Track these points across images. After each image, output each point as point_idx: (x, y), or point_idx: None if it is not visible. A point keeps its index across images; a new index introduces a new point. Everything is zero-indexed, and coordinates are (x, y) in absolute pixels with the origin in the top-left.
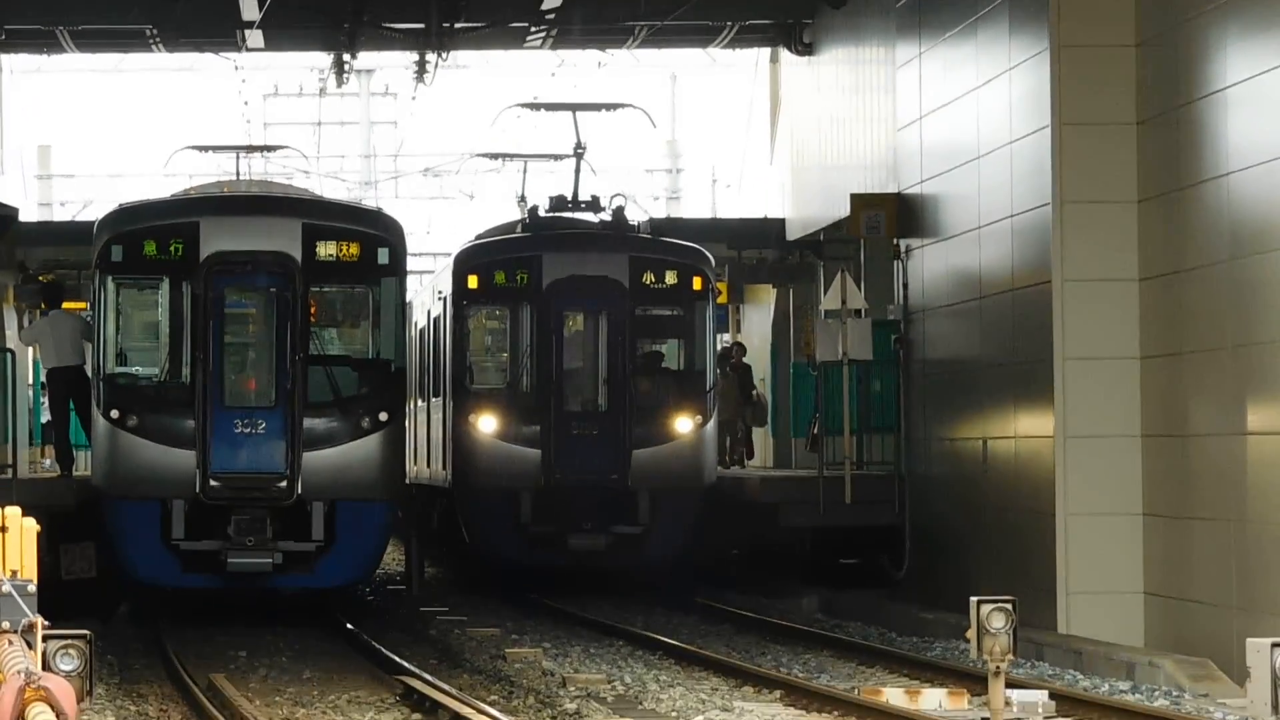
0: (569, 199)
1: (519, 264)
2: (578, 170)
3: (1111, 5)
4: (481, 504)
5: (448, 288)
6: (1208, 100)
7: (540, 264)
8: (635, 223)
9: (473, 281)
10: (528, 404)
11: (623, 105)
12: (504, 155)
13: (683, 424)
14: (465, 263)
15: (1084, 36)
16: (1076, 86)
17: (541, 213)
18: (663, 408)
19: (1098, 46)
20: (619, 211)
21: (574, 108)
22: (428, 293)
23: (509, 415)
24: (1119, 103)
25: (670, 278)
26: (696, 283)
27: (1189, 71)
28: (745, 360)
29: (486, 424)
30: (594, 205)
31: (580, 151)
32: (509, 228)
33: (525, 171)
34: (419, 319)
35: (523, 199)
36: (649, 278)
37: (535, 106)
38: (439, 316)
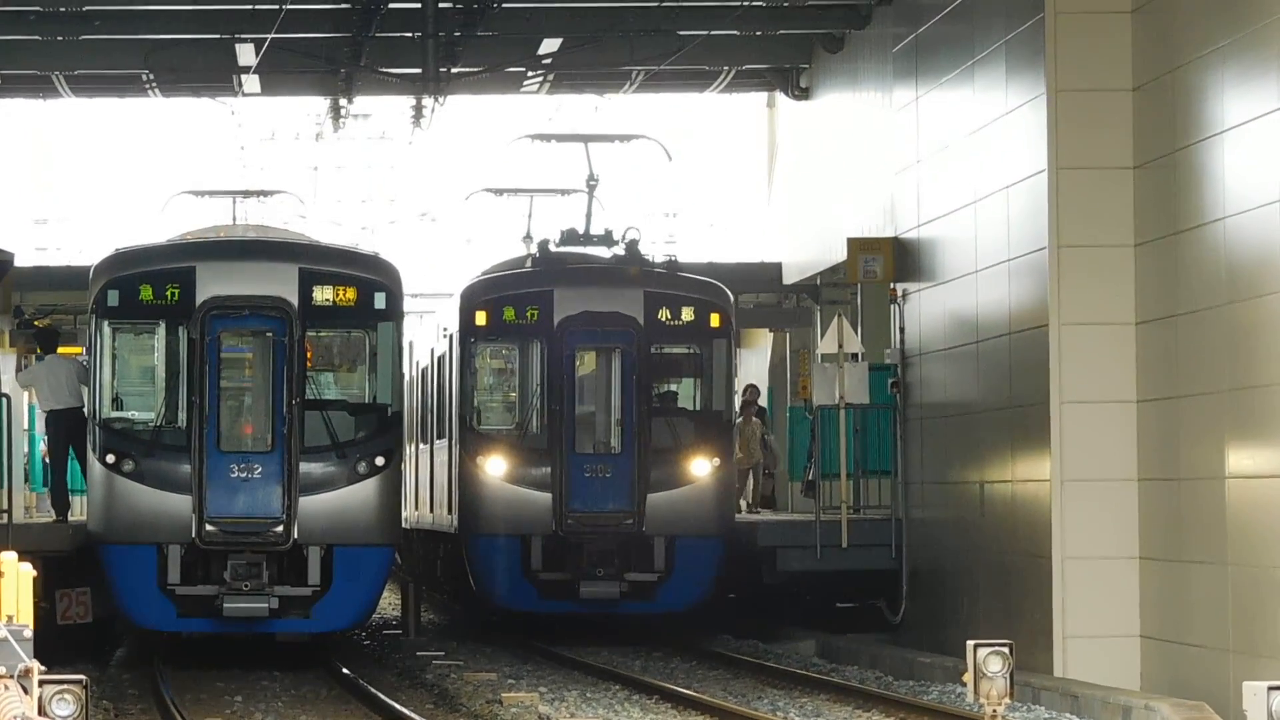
0: (581, 232)
1: (529, 299)
2: (590, 203)
3: (1108, 49)
4: (489, 549)
5: (454, 324)
6: (1204, 144)
7: (551, 299)
8: (650, 257)
9: (481, 318)
10: (538, 445)
11: (636, 137)
12: (509, 190)
13: (700, 466)
14: (473, 298)
15: (1081, 81)
16: (1073, 130)
17: (552, 247)
18: (679, 450)
19: (1094, 91)
20: (633, 245)
21: (586, 139)
22: (431, 330)
23: (518, 457)
24: (1116, 147)
25: (687, 314)
26: (715, 319)
27: (1185, 115)
28: (760, 403)
29: (495, 466)
30: (607, 239)
31: (593, 184)
32: (518, 262)
33: (531, 207)
34: (421, 358)
35: (528, 235)
36: (665, 314)
37: (546, 138)
38: (444, 354)
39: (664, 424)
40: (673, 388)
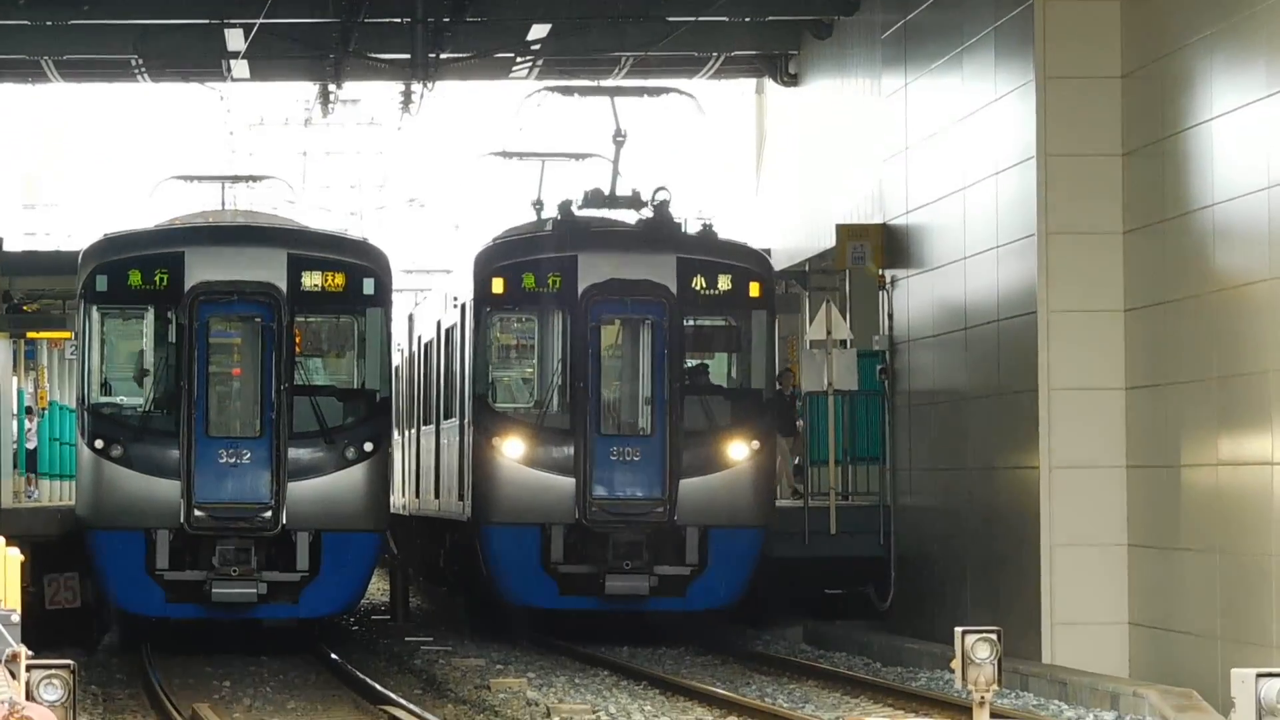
0: (606, 193)
1: (551, 265)
2: (616, 162)
3: (1097, 37)
4: (505, 540)
5: (467, 293)
6: (1193, 131)
7: (575, 265)
8: (681, 221)
9: (497, 285)
10: (559, 426)
11: (668, 90)
12: (520, 154)
13: (737, 450)
14: (488, 263)
15: (1069, 68)
16: (1062, 118)
17: (575, 209)
18: (715, 432)
19: (1083, 78)
20: (663, 207)
21: (612, 92)
22: (438, 300)
23: (538, 439)
24: (1105, 134)
25: (723, 282)
26: (754, 288)
27: (1174, 103)
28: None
29: (512, 448)
30: (635, 201)
31: (620, 140)
32: (537, 226)
33: (543, 171)
34: (424, 331)
35: (539, 202)
36: (699, 282)
37: (568, 90)
38: (453, 327)
39: (698, 403)
40: (708, 363)
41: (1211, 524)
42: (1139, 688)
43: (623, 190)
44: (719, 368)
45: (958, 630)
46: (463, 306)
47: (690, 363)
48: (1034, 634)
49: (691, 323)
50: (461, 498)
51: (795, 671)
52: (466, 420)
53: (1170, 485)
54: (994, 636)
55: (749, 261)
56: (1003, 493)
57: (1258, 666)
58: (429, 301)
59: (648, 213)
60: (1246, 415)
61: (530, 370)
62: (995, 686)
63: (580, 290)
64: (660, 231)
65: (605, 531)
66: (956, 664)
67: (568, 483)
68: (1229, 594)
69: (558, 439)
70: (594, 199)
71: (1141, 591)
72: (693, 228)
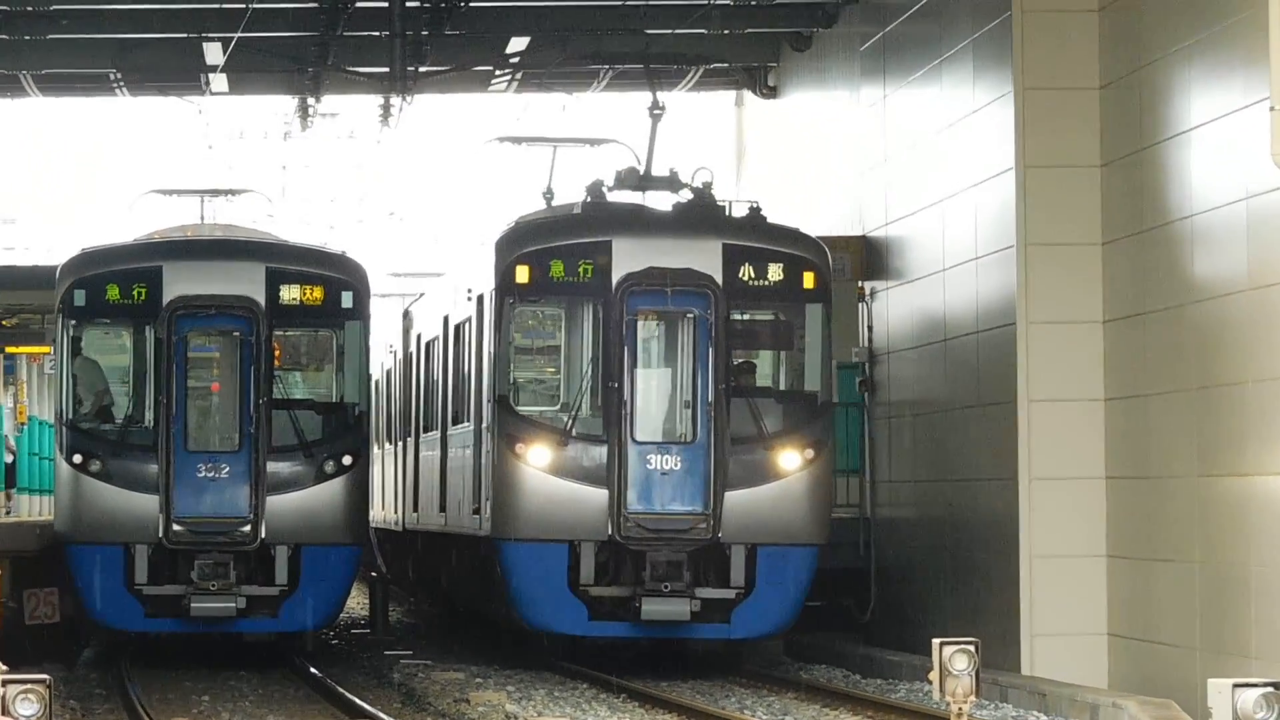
0: (641, 173)
1: (582, 251)
2: (652, 137)
3: (1075, 48)
4: (529, 558)
5: (485, 283)
6: (1171, 142)
7: (610, 252)
8: (725, 204)
9: (522, 274)
10: (590, 431)
11: (710, 63)
12: (530, 139)
13: (789, 460)
14: (511, 249)
15: (1048, 79)
16: (1040, 129)
17: (606, 191)
18: (765, 439)
19: (1061, 89)
20: (705, 189)
21: (648, 59)
22: (444, 294)
23: (566, 445)
24: (1083, 145)
25: (774, 272)
26: (808, 278)
27: (1152, 114)
28: None
29: (537, 456)
30: (673, 182)
31: (657, 114)
32: (565, 209)
33: (554, 158)
34: (425, 330)
35: (550, 191)
36: (747, 272)
37: (602, 63)
38: (465, 321)
39: (746, 407)
40: (755, 362)
41: (1190, 535)
42: (1118, 698)
43: (659, 170)
44: (770, 366)
45: (935, 641)
46: (479, 298)
47: (737, 361)
48: (1013, 645)
49: (739, 317)
50: (476, 511)
51: (775, 683)
52: (484, 425)
53: (1149, 496)
54: (971, 647)
55: (803, 249)
56: (982, 504)
57: (1235, 676)
58: (431, 296)
59: (687, 195)
60: (1225, 426)
61: (559, 369)
62: (973, 697)
63: (615, 280)
64: (703, 215)
65: (641, 549)
66: (934, 675)
67: (599, 495)
68: (1207, 605)
69: (588, 446)
70: (627, 179)
71: (1120, 602)
72: (738, 210)
